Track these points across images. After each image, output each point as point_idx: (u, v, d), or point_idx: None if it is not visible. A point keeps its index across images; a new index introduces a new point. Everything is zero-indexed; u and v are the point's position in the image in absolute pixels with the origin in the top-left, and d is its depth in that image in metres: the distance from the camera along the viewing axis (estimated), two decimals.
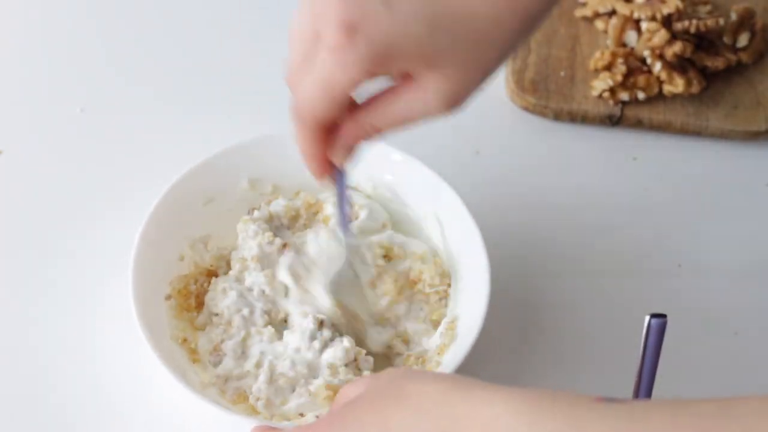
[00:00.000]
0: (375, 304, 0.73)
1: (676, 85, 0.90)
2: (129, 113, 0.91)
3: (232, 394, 0.70)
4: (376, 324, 0.73)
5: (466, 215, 0.74)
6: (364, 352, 0.71)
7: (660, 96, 0.91)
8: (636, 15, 0.92)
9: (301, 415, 0.68)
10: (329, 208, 0.77)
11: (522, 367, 0.76)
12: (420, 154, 0.77)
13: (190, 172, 0.76)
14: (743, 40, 0.94)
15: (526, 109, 0.91)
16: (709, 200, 0.87)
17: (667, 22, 0.92)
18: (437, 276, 0.74)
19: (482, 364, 0.68)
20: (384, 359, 0.74)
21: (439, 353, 0.71)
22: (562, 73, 0.93)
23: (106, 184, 0.85)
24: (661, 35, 0.91)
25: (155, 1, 0.99)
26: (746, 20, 0.95)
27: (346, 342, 0.70)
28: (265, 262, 0.74)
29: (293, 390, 0.69)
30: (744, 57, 0.94)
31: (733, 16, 0.95)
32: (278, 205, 0.77)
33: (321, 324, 0.71)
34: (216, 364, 0.71)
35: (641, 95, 0.90)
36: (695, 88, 0.90)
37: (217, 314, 0.73)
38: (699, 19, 0.92)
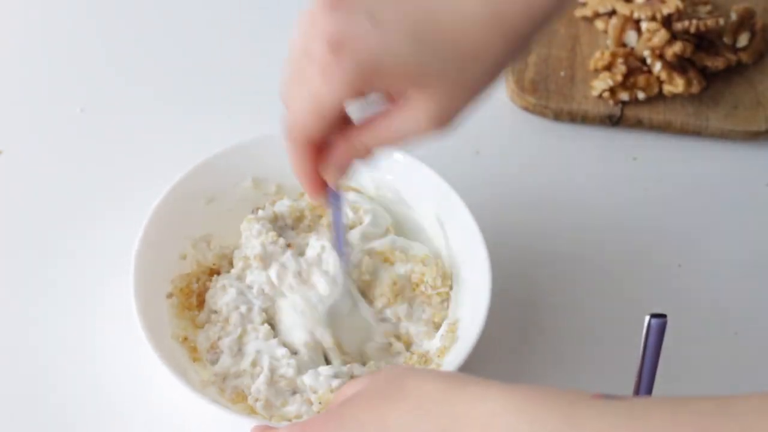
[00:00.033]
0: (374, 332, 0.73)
1: (676, 85, 0.90)
2: (129, 113, 0.91)
3: (231, 393, 0.69)
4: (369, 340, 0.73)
5: (467, 216, 0.74)
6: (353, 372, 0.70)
7: (660, 96, 0.91)
8: (636, 15, 0.92)
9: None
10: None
11: (522, 367, 0.76)
12: (420, 154, 0.77)
13: (192, 171, 0.76)
14: (743, 40, 0.94)
15: (526, 109, 0.91)
16: (709, 200, 0.87)
17: (667, 22, 0.92)
18: (439, 278, 0.74)
19: (482, 364, 0.68)
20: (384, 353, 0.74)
21: (439, 355, 0.71)
22: (562, 73, 0.93)
23: (106, 184, 0.85)
24: (661, 35, 0.91)
25: (155, 1, 0.99)
26: (746, 20, 0.95)
27: (329, 370, 0.69)
28: (268, 261, 0.74)
29: (293, 393, 0.69)
30: (744, 57, 0.94)
31: (733, 16, 0.95)
32: (283, 206, 0.77)
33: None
34: (213, 362, 0.71)
35: (641, 95, 0.90)
36: (695, 88, 0.90)
37: (215, 311, 0.73)
38: (699, 19, 0.92)
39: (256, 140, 0.78)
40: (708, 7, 0.96)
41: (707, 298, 0.81)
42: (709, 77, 0.93)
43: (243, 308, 0.72)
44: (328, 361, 0.72)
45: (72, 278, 0.79)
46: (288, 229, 0.77)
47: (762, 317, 0.80)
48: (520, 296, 0.80)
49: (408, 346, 0.73)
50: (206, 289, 0.75)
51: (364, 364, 0.72)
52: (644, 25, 0.92)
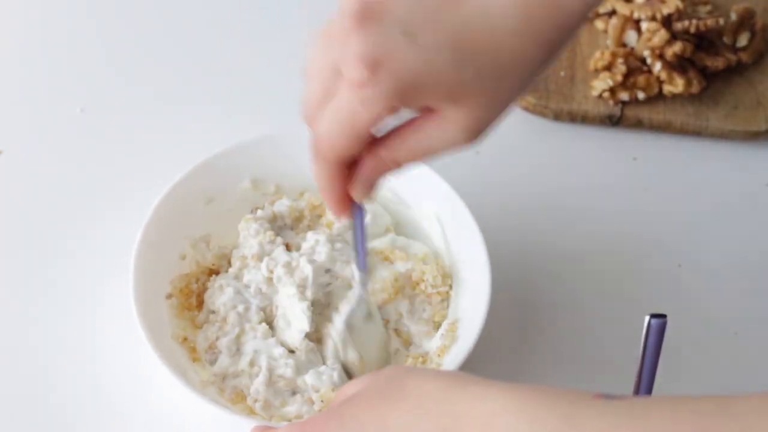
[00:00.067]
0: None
1: (676, 85, 0.90)
2: (129, 113, 0.91)
3: (230, 393, 0.69)
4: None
5: (467, 215, 0.74)
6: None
7: (660, 96, 0.91)
8: (636, 15, 0.92)
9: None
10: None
11: (522, 367, 0.76)
12: None
13: (192, 171, 0.76)
14: (743, 40, 0.94)
15: (526, 109, 0.91)
16: (709, 200, 0.87)
17: (667, 22, 0.92)
18: (439, 276, 0.74)
19: (482, 364, 0.68)
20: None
21: (439, 355, 0.71)
22: (562, 73, 0.93)
23: (106, 184, 0.85)
24: (661, 35, 0.91)
25: (155, 1, 0.99)
26: (746, 20, 0.95)
27: (333, 374, 0.69)
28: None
29: (293, 393, 0.69)
30: (744, 57, 0.94)
31: (733, 16, 0.95)
32: (282, 206, 0.78)
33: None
34: (212, 362, 0.71)
35: (641, 95, 0.90)
36: (695, 88, 0.90)
37: (213, 311, 0.73)
38: (699, 19, 0.92)
39: (255, 140, 0.78)
40: (708, 7, 0.96)
41: (707, 298, 0.81)
42: (709, 77, 0.92)
43: (240, 308, 0.72)
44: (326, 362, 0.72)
45: (72, 278, 0.79)
46: (287, 229, 0.77)
47: (762, 317, 0.80)
48: (520, 296, 0.80)
49: (408, 345, 0.73)
50: (206, 290, 0.75)
51: None
52: (644, 25, 0.92)
